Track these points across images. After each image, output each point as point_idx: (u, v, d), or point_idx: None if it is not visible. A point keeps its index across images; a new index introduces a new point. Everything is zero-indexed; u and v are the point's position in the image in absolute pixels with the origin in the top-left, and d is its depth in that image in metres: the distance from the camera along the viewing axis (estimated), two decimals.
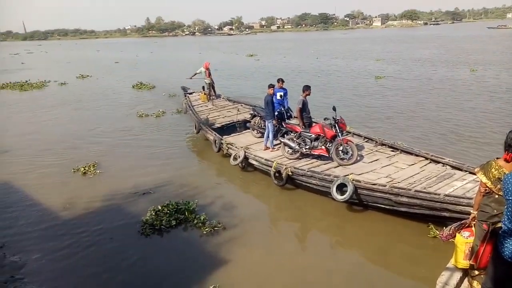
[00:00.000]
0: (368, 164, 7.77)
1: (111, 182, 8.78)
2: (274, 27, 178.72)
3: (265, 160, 8.26)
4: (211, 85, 14.49)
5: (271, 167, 7.90)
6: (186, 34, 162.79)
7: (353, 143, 8.01)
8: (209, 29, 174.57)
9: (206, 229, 6.38)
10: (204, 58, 41.24)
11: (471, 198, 5.37)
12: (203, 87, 14.68)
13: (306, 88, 8.74)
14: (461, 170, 6.95)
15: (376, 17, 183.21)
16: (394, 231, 6.28)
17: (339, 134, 7.99)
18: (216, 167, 9.76)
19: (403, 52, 39.86)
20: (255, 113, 10.51)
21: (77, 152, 10.93)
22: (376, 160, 7.96)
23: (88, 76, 30.10)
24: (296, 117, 9.10)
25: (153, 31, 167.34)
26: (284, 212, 7.48)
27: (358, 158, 7.92)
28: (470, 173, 6.72)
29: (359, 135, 9.45)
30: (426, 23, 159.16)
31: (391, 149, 8.47)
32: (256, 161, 8.47)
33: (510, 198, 2.65)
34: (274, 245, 6.16)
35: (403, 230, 6.27)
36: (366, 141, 9.16)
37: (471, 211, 3.80)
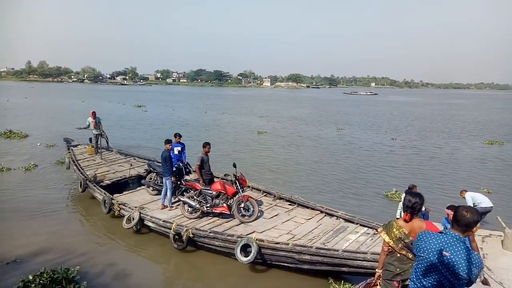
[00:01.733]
0: (269, 220, 7.77)
1: None
2: (169, 80, 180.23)
3: (163, 221, 7.62)
4: (100, 136, 13.26)
5: (170, 229, 7.30)
6: (73, 81, 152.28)
7: (253, 199, 7.99)
8: (100, 78, 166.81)
9: None
10: (88, 106, 39.21)
11: (365, 253, 5.65)
12: (90, 139, 13.41)
13: (206, 144, 8.60)
14: (352, 222, 7.39)
15: (266, 77, 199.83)
16: None
17: (240, 191, 7.91)
18: (105, 229, 8.61)
19: (284, 111, 43.94)
20: (151, 168, 9.86)
21: None
22: (276, 215, 8.03)
23: None
24: (195, 172, 8.80)
25: (35, 76, 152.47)
26: (184, 276, 6.87)
27: (259, 214, 7.90)
28: (361, 225, 7.21)
29: (258, 189, 9.53)
30: (308, 86, 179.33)
31: (289, 203, 8.69)
32: (153, 223, 7.76)
33: (422, 254, 2.76)
34: None
35: (304, 286, 6.26)
36: (264, 195, 9.25)
37: (376, 270, 3.87)
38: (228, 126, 28.20)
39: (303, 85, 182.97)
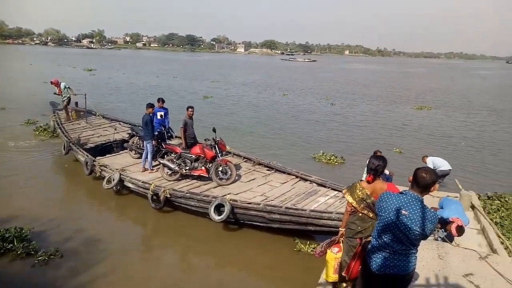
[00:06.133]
0: (245, 183, 8.18)
1: None
2: (139, 44, 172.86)
3: (142, 182, 7.91)
4: (67, 102, 12.98)
5: (148, 189, 7.60)
6: (36, 43, 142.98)
7: (232, 163, 8.35)
8: (65, 40, 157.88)
9: (39, 258, 5.69)
10: (36, 69, 38.50)
11: (331, 213, 6.12)
12: (76, 103, 13.55)
13: (189, 108, 8.83)
14: (324, 186, 7.86)
15: (240, 43, 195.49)
16: (264, 247, 6.64)
17: (219, 155, 8.24)
18: (86, 191, 8.91)
19: (238, 76, 44.65)
20: (134, 132, 10.03)
21: None
22: (253, 179, 8.44)
23: None
24: (178, 137, 9.02)
25: None
26: (160, 235, 7.17)
27: (237, 177, 8.25)
28: (332, 189, 7.68)
29: (238, 155, 9.85)
30: (282, 53, 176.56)
31: (267, 168, 9.08)
32: (133, 183, 8.04)
33: (383, 214, 3.02)
34: (134, 271, 5.77)
35: (272, 246, 6.66)
36: (245, 161, 9.60)
37: (340, 229, 4.17)
38: (174, 89, 28.90)
39: (277, 51, 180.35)
